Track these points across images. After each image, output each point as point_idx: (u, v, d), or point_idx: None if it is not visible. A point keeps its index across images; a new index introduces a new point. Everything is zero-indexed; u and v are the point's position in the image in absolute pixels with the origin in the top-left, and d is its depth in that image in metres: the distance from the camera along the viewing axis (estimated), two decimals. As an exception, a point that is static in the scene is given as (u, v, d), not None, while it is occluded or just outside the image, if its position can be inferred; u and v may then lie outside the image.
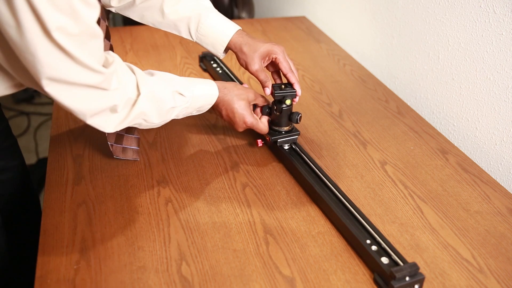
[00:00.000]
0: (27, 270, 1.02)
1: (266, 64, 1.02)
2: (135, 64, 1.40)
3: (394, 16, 1.39)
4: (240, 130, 0.99)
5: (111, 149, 0.95)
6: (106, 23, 0.87)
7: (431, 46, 1.26)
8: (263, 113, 1.01)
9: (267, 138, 1.00)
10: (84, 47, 0.68)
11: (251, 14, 2.13)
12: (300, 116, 0.98)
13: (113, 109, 0.78)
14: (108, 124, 0.79)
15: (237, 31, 1.01)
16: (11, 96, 2.65)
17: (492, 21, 1.06)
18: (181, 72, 1.37)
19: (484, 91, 1.11)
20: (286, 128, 1.01)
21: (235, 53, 1.02)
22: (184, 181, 0.95)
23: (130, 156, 0.98)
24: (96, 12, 0.68)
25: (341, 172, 1.00)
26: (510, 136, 1.06)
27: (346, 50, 1.58)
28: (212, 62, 1.34)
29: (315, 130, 1.14)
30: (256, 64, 0.99)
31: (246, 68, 1.01)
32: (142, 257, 0.78)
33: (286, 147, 1.01)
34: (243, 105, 0.96)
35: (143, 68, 1.37)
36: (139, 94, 0.81)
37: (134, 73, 0.82)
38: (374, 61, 1.52)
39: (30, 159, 2.27)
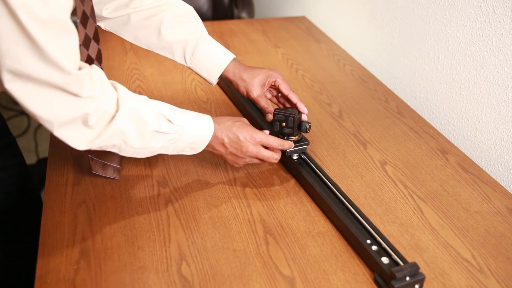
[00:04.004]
0: (26, 270, 1.02)
1: (266, 90, 1.01)
2: (135, 64, 1.40)
3: (394, 16, 1.39)
4: (252, 153, 0.88)
5: (90, 163, 0.91)
6: (96, 25, 0.83)
7: (431, 46, 1.26)
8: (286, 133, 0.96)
9: None
10: (52, 38, 0.61)
11: (251, 14, 2.13)
12: (310, 126, 0.95)
13: (85, 121, 0.70)
14: (79, 139, 0.72)
15: (233, 59, 1.00)
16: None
17: (492, 21, 1.06)
18: (181, 72, 1.37)
19: (484, 91, 1.11)
20: (295, 138, 0.97)
21: (233, 81, 1.00)
22: (184, 181, 0.95)
23: (110, 174, 0.93)
24: (68, 2, 0.65)
25: (341, 172, 1.00)
26: (510, 136, 1.06)
27: (346, 50, 1.58)
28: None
29: (315, 130, 1.14)
30: (258, 90, 0.98)
31: (247, 95, 0.99)
32: (142, 257, 0.78)
33: (295, 157, 0.98)
34: (244, 124, 0.89)
35: (143, 68, 1.38)
36: (118, 110, 0.73)
37: (116, 89, 0.75)
38: (374, 61, 1.52)
39: (30, 159, 2.27)
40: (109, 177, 0.94)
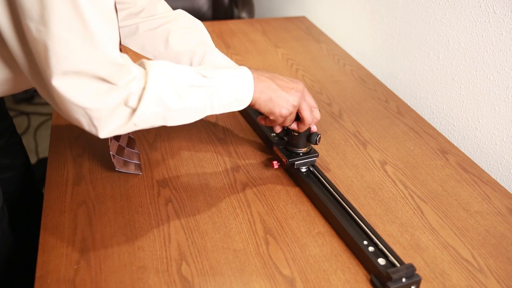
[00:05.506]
0: (31, 266, 1.02)
1: None
2: (135, 64, 1.40)
3: (394, 16, 1.39)
4: (299, 89, 0.86)
5: (112, 160, 0.92)
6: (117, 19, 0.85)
7: (431, 46, 1.26)
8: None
9: (284, 160, 0.94)
10: (104, 27, 0.62)
11: (251, 14, 2.13)
12: (320, 137, 0.93)
13: (126, 101, 0.69)
14: (120, 119, 0.70)
15: None
16: (11, 96, 2.65)
17: (492, 21, 1.06)
18: (181, 72, 1.37)
19: (484, 91, 1.11)
20: (303, 150, 0.95)
21: None
22: (184, 181, 0.95)
23: (132, 169, 0.95)
24: None
25: (341, 172, 1.00)
26: (510, 136, 1.06)
27: (346, 50, 1.58)
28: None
29: (315, 130, 1.14)
30: None
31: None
32: (142, 257, 0.78)
33: (303, 169, 0.95)
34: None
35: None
36: (147, 75, 0.71)
37: (143, 65, 0.75)
38: (374, 61, 1.52)
39: (30, 159, 2.27)
40: (131, 173, 0.95)
